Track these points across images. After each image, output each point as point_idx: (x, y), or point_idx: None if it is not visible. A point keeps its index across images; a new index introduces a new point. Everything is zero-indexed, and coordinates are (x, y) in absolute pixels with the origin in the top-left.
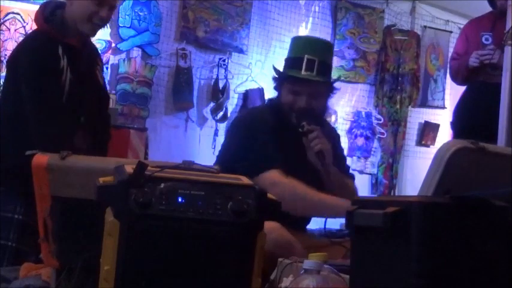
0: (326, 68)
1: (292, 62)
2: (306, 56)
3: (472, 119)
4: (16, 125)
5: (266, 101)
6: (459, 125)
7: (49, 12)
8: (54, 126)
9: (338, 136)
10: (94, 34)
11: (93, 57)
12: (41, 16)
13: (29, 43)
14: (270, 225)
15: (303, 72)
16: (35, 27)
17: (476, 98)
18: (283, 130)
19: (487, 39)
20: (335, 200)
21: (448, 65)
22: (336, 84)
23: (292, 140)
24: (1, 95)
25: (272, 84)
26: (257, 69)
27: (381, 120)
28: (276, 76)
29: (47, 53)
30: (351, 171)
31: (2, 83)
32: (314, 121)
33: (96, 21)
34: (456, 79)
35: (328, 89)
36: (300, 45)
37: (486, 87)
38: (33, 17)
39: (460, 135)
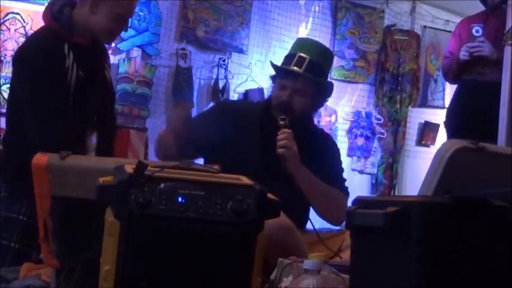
0: (317, 68)
1: (285, 58)
2: (298, 53)
3: (465, 119)
4: (23, 125)
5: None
6: (452, 125)
7: (57, 10)
8: (52, 131)
9: (331, 145)
10: (111, 43)
11: (102, 56)
12: (49, 13)
13: (35, 40)
14: None
15: (291, 67)
16: (35, 27)
17: (468, 98)
18: (259, 123)
19: (477, 31)
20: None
21: (441, 64)
22: (335, 86)
23: (266, 135)
24: (9, 94)
25: (271, 84)
26: (257, 69)
27: (380, 120)
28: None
29: (53, 52)
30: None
31: (1, 83)
32: (293, 117)
33: (116, 35)
34: (448, 76)
35: (317, 89)
36: (297, 44)
37: (477, 86)
38: (33, 17)
39: (453, 135)
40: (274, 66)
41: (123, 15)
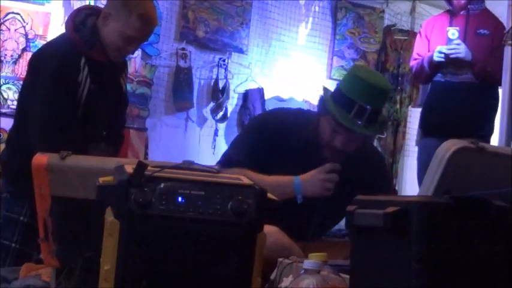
0: (376, 115)
1: (342, 100)
2: (358, 102)
3: (442, 119)
4: (28, 127)
5: (299, 111)
6: (431, 127)
7: (80, 20)
8: (57, 141)
9: (376, 165)
10: (117, 62)
11: (119, 67)
12: (71, 23)
13: (53, 49)
14: (268, 229)
15: (351, 116)
16: (35, 27)
17: (444, 98)
18: (302, 152)
19: (453, 34)
20: (274, 178)
21: (410, 66)
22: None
23: (303, 165)
24: (19, 94)
25: (271, 84)
26: (257, 69)
27: None
28: (324, 98)
29: (68, 65)
30: None
31: (1, 83)
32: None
33: (123, 53)
34: (419, 78)
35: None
36: (357, 86)
37: (453, 86)
38: (33, 17)
39: (433, 136)
40: (328, 103)
41: (130, 36)
